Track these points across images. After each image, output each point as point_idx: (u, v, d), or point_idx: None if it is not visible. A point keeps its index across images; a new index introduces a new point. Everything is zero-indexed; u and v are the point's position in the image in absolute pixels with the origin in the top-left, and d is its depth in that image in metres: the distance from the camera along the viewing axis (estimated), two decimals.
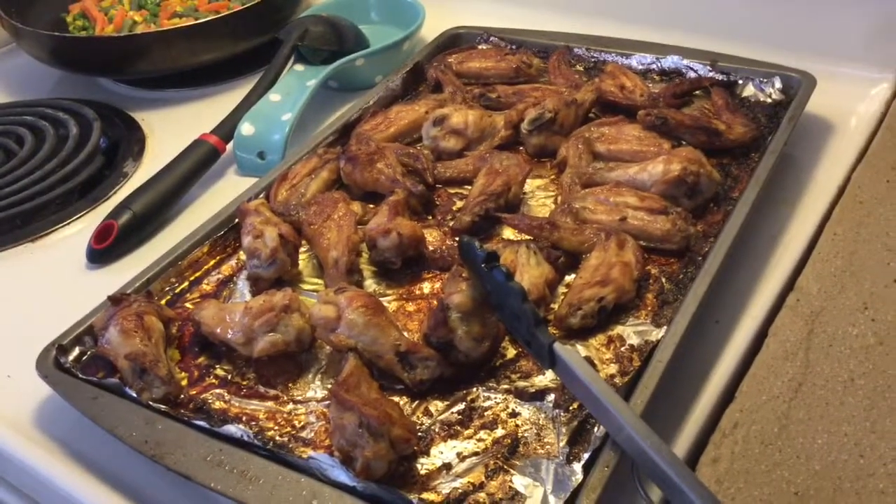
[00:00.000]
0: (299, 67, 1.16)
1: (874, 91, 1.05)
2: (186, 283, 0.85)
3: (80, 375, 0.73)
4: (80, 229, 0.99)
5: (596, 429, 0.63)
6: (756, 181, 0.84)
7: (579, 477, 0.60)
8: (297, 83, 1.12)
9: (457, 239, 0.86)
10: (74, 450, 0.73)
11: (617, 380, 0.69)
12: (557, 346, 0.63)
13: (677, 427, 0.69)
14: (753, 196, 0.82)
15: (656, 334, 0.71)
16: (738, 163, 0.92)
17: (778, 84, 1.01)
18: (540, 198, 0.92)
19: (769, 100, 1.01)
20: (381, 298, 0.77)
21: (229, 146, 1.06)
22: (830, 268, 0.80)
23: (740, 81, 1.03)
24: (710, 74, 1.05)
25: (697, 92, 1.04)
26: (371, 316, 0.71)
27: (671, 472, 0.56)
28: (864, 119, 1.01)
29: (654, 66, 1.09)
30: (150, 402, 0.70)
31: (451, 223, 0.89)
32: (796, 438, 0.66)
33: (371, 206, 0.91)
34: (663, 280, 0.79)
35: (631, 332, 0.73)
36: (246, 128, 1.06)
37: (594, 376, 0.62)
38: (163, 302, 0.82)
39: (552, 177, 0.94)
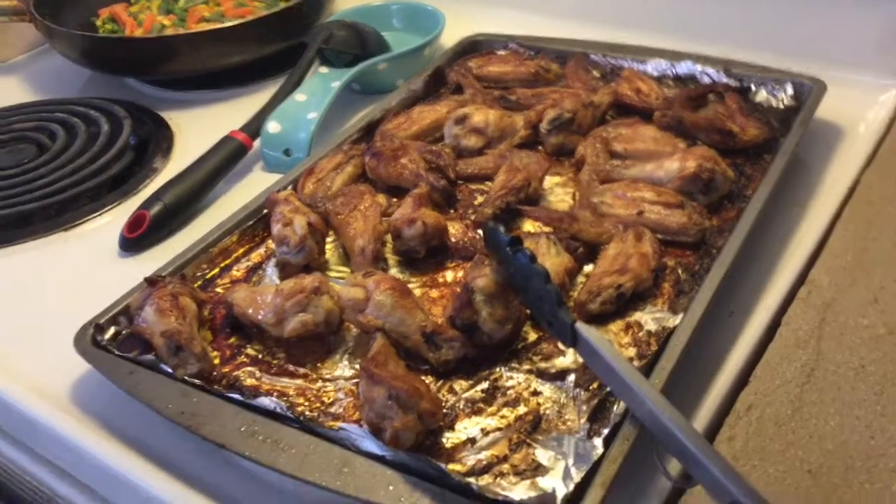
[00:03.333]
0: (324, 70, 1.20)
1: (883, 97, 1.08)
2: (217, 270, 0.88)
3: (117, 352, 0.76)
4: (112, 220, 1.03)
5: (615, 406, 0.66)
6: (769, 179, 0.87)
7: (600, 450, 0.63)
8: (321, 84, 1.16)
9: (479, 230, 0.89)
10: (111, 423, 0.75)
11: (635, 363, 0.72)
12: (579, 325, 0.66)
13: (693, 409, 0.71)
14: (767, 193, 0.85)
15: (673, 321, 0.74)
16: (752, 163, 0.95)
17: (790, 90, 1.04)
18: (559, 194, 0.95)
19: (781, 105, 1.04)
20: (405, 283, 0.80)
21: (256, 144, 1.10)
22: (841, 262, 0.83)
23: (753, 87, 1.06)
24: (724, 80, 1.08)
25: (711, 96, 1.07)
26: (398, 298, 0.74)
27: (691, 446, 0.58)
28: (872, 124, 1.04)
29: (668, 72, 1.12)
30: (185, 378, 0.72)
31: (472, 216, 0.92)
32: (809, 420, 0.68)
33: (395, 199, 0.94)
34: (679, 271, 0.81)
35: (648, 318, 0.76)
36: (272, 126, 1.10)
37: (615, 354, 0.64)
38: (196, 285, 0.85)
39: (570, 174, 0.97)
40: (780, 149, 0.92)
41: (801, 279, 0.82)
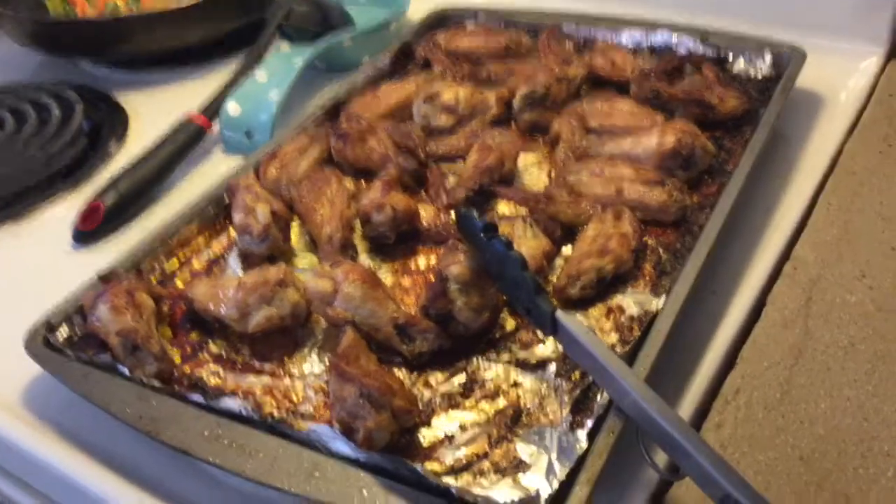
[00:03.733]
0: (285, 48, 1.15)
1: (863, 65, 1.05)
2: (176, 262, 0.83)
3: (71, 353, 0.71)
4: (65, 210, 0.97)
5: (599, 397, 0.63)
6: (750, 152, 0.84)
7: (584, 444, 0.59)
8: (283, 63, 1.11)
9: (452, 213, 0.85)
10: (66, 429, 0.71)
11: (618, 349, 0.69)
12: (559, 313, 0.63)
13: (679, 395, 0.68)
14: (748, 167, 0.82)
15: (656, 304, 0.71)
16: (731, 136, 0.92)
17: (768, 59, 1.01)
18: (534, 173, 0.91)
19: (760, 75, 1.01)
20: (376, 273, 0.76)
21: (215, 126, 1.05)
22: (826, 237, 0.80)
23: (731, 57, 1.03)
24: (701, 50, 1.04)
25: (688, 67, 1.03)
26: (368, 289, 0.70)
27: (678, 435, 0.55)
28: (853, 93, 1.01)
29: (643, 43, 1.08)
30: (143, 379, 0.68)
31: (444, 198, 0.88)
32: (799, 404, 0.66)
33: (363, 182, 0.90)
34: (660, 251, 0.78)
35: (630, 301, 0.73)
36: (232, 107, 1.05)
37: (597, 342, 0.61)
38: (153, 280, 0.80)
39: (545, 153, 0.94)
40: (761, 120, 0.89)
41: (786, 255, 0.80)
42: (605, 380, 0.61)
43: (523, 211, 0.83)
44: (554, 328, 0.63)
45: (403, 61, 1.12)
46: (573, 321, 0.62)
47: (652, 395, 0.58)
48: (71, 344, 0.73)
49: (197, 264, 0.83)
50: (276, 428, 0.63)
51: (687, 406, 0.68)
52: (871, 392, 0.66)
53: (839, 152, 0.91)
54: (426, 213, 0.86)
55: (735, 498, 0.52)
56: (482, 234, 0.66)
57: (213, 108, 1.05)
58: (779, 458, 0.62)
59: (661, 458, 0.60)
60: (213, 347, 0.73)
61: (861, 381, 0.67)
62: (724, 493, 0.52)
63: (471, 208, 0.68)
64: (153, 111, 1.14)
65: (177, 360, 0.72)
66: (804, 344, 0.71)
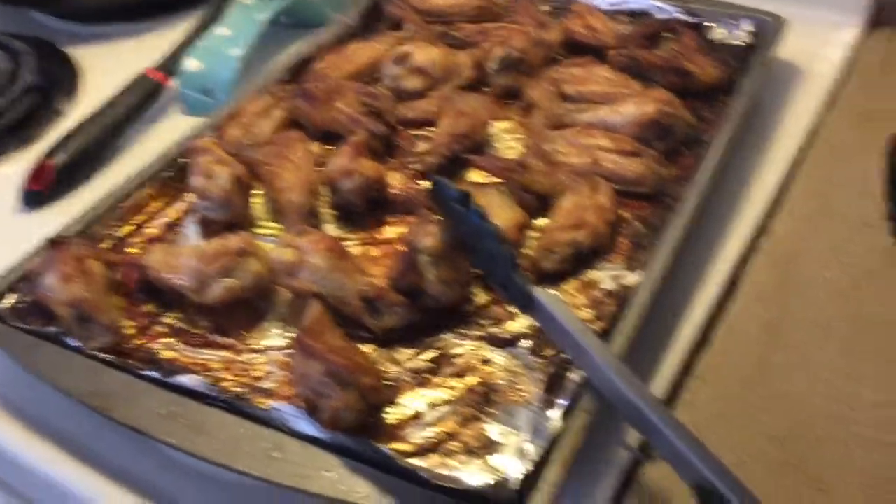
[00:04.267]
0: (248, 0, 1.09)
1: (842, 35, 1.03)
2: (130, 227, 0.79)
3: (16, 324, 0.67)
4: (12, 171, 0.92)
5: (573, 375, 0.61)
6: (729, 124, 0.82)
7: (557, 424, 0.57)
8: (246, 17, 1.06)
9: (421, 182, 0.82)
10: (13, 405, 0.68)
11: (593, 325, 0.66)
12: (536, 289, 0.60)
13: (652, 372, 0.67)
14: (726, 139, 0.80)
15: (631, 278, 0.69)
16: (710, 106, 0.89)
17: (747, 26, 0.98)
18: (507, 140, 0.88)
19: (739, 43, 0.98)
20: (343, 243, 0.73)
21: (173, 83, 1.00)
22: (803, 211, 0.79)
23: (710, 23, 1.00)
24: (680, 16, 1.01)
25: (667, 34, 1.00)
26: (335, 259, 0.67)
27: (655, 418, 0.53)
28: (832, 64, 0.99)
29: (622, 6, 1.05)
30: (95, 352, 0.65)
31: (415, 165, 0.84)
32: (774, 383, 0.65)
33: (330, 147, 0.86)
34: (637, 224, 0.76)
35: (605, 276, 0.71)
36: (191, 63, 1.00)
37: (573, 319, 0.59)
38: (105, 246, 0.76)
39: (519, 119, 0.90)
40: (740, 90, 0.87)
41: (762, 229, 0.78)
42: (580, 358, 0.59)
43: (497, 179, 0.80)
44: (530, 304, 0.61)
45: (373, 19, 1.08)
46: (550, 297, 0.60)
47: (628, 374, 0.56)
48: (17, 314, 0.69)
49: (152, 230, 0.79)
50: (235, 406, 0.60)
51: (660, 384, 0.66)
52: (848, 372, 0.65)
53: (817, 125, 0.90)
54: (396, 181, 0.83)
55: (710, 482, 0.50)
56: (457, 205, 0.63)
57: (170, 65, 1.00)
58: (753, 438, 0.61)
59: (636, 438, 0.58)
60: (169, 319, 0.70)
61: (837, 361, 0.65)
62: (699, 476, 0.51)
63: (444, 178, 0.65)
64: (107, 67, 1.09)
65: (130, 332, 0.68)
66: (780, 321, 0.69)
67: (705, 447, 0.52)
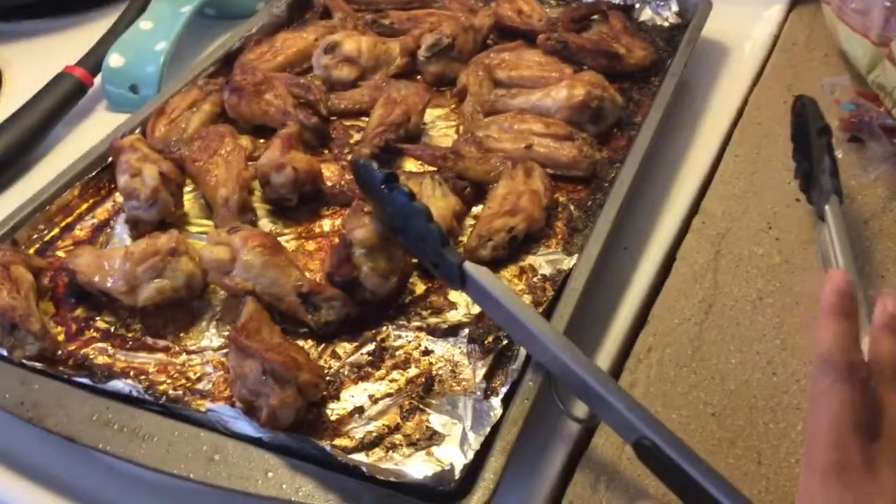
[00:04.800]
0: None
1: (767, 13, 1.05)
2: (57, 230, 0.77)
3: None
4: None
5: (512, 363, 0.61)
6: (659, 104, 0.83)
7: (498, 411, 0.57)
8: (169, 10, 1.03)
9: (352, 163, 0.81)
10: None
11: None
12: (468, 264, 0.60)
13: (592, 354, 0.67)
14: (657, 120, 0.81)
15: (568, 262, 0.69)
16: (639, 87, 0.90)
17: (674, 7, 1.00)
18: (441, 128, 0.88)
19: (666, 23, 1.00)
20: (278, 238, 0.72)
21: (97, 80, 0.97)
22: (734, 189, 0.80)
23: (637, 5, 1.02)
24: None
25: (595, 16, 1.01)
26: (269, 256, 0.66)
27: (594, 383, 0.54)
28: (757, 42, 1.01)
29: None
30: (24, 361, 0.63)
31: (348, 157, 0.84)
32: (710, 360, 0.66)
33: (261, 140, 0.85)
34: (572, 208, 0.76)
35: (542, 261, 0.71)
36: (115, 59, 0.97)
37: (508, 292, 0.59)
38: (31, 251, 0.74)
39: (452, 106, 0.90)
40: (668, 71, 0.88)
41: (695, 209, 0.79)
42: (517, 331, 0.59)
43: (431, 168, 0.79)
44: (462, 281, 0.61)
45: (301, 8, 1.07)
46: (482, 272, 0.60)
47: (566, 342, 0.56)
48: None
49: (80, 232, 0.77)
50: (170, 409, 0.59)
51: (601, 365, 0.66)
52: (780, 346, 0.66)
53: (745, 102, 0.91)
54: (329, 173, 0.82)
55: (649, 438, 0.51)
56: (382, 186, 0.62)
57: (93, 61, 0.97)
58: (692, 416, 0.62)
59: (581, 408, 0.58)
60: (101, 323, 0.68)
61: (770, 335, 0.67)
62: (638, 435, 0.51)
63: (369, 160, 0.64)
64: (27, 65, 1.06)
65: (60, 338, 0.67)
66: (714, 299, 0.70)
67: (643, 407, 0.53)
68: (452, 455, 0.56)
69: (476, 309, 0.67)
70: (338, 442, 0.58)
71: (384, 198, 0.63)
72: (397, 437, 0.58)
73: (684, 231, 0.77)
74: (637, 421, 0.52)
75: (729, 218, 0.77)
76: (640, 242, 0.76)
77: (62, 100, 0.93)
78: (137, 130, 0.84)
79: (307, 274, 0.69)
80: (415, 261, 0.69)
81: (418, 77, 0.94)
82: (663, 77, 0.88)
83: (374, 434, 0.58)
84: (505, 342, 0.64)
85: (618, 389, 0.54)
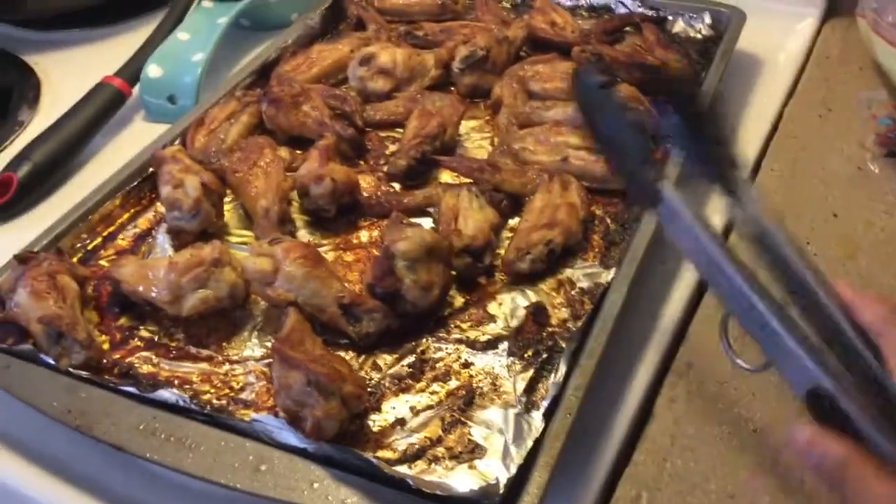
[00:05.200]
0: (208, 4, 1.08)
1: (799, 26, 1.05)
2: (99, 239, 0.78)
3: None
4: None
5: (553, 376, 0.61)
6: None
7: (540, 426, 0.58)
8: (206, 21, 1.04)
9: (393, 184, 0.82)
10: None
11: (570, 324, 0.67)
12: (665, 183, 0.57)
13: (631, 368, 0.67)
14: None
15: (606, 276, 0.70)
16: None
17: (708, 19, 1.00)
18: (476, 140, 0.88)
19: (699, 35, 1.00)
20: (316, 248, 0.73)
21: (136, 90, 0.98)
22: (770, 203, 0.80)
23: (670, 17, 1.02)
24: (640, 10, 1.03)
25: (628, 28, 1.01)
26: (310, 267, 0.67)
27: (771, 318, 0.49)
28: (791, 54, 1.01)
29: (582, 2, 1.06)
30: (70, 369, 0.64)
31: (384, 168, 0.84)
32: (751, 377, 0.66)
33: (298, 151, 0.86)
34: (608, 221, 0.77)
35: (580, 274, 0.71)
36: (153, 69, 0.98)
37: (699, 218, 0.56)
38: (74, 260, 0.75)
39: (487, 118, 0.91)
40: (703, 84, 0.88)
41: (732, 223, 0.79)
42: (700, 258, 0.55)
43: (467, 180, 0.80)
44: (656, 200, 0.57)
45: (335, 20, 1.08)
46: (677, 195, 0.56)
47: (750, 276, 0.52)
48: None
49: (122, 241, 0.78)
50: (216, 419, 0.60)
51: (639, 381, 0.67)
52: None
53: (779, 116, 0.91)
54: (366, 184, 0.83)
55: (825, 388, 0.46)
56: (600, 91, 0.60)
57: (132, 71, 0.98)
58: (733, 433, 0.62)
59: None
60: (145, 332, 0.69)
61: None
62: (814, 382, 0.47)
63: (591, 73, 0.62)
64: (68, 74, 1.07)
65: (105, 347, 0.68)
66: None
67: (824, 351, 0.49)
68: (495, 469, 0.56)
69: (515, 322, 0.67)
70: (381, 453, 0.59)
71: (598, 103, 0.60)
72: (440, 450, 0.59)
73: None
74: (814, 366, 0.47)
75: None
76: (678, 256, 0.76)
77: (101, 109, 0.94)
78: (177, 141, 0.85)
79: (346, 285, 0.69)
80: (454, 273, 0.70)
81: (452, 89, 0.95)
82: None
83: (417, 446, 0.59)
84: (545, 356, 0.64)
85: (799, 328, 0.49)
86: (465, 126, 0.89)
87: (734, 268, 0.52)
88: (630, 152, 0.59)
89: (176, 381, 0.65)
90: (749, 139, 0.89)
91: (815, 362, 0.47)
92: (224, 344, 0.68)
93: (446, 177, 0.83)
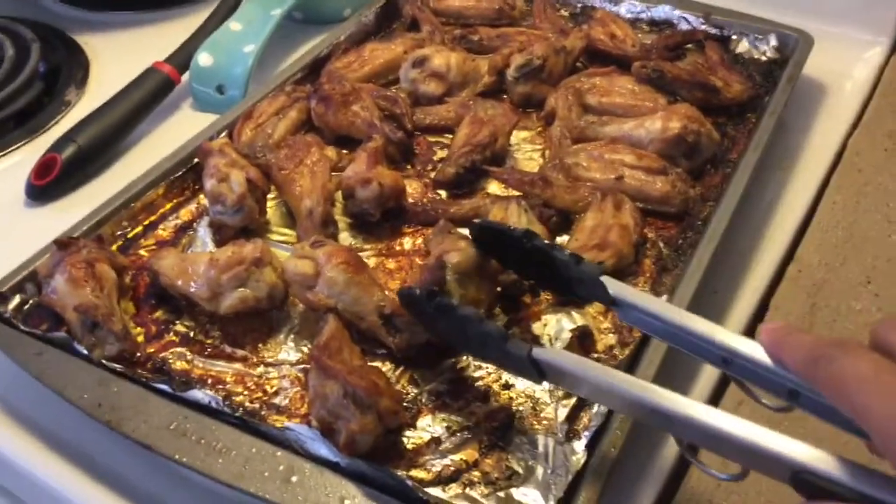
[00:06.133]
0: None
1: (868, 55, 1.01)
2: (140, 228, 0.77)
3: (23, 327, 0.65)
4: (18, 162, 0.90)
5: (597, 406, 0.59)
6: (756, 144, 0.80)
7: (581, 458, 0.55)
8: (259, 12, 1.03)
9: (439, 191, 0.80)
10: (15, 407, 0.65)
11: (616, 351, 0.65)
12: (536, 350, 0.52)
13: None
14: (755, 159, 0.78)
15: None
16: (734, 123, 0.87)
17: (773, 42, 0.97)
18: (526, 151, 0.86)
19: (764, 58, 0.96)
20: (358, 254, 0.71)
21: (185, 78, 0.97)
22: (831, 238, 0.77)
23: (734, 37, 0.98)
24: (703, 27, 0.99)
25: (689, 45, 0.99)
26: (353, 273, 0.65)
27: (735, 435, 0.45)
28: (857, 83, 0.97)
29: (643, 15, 1.03)
30: (103, 361, 0.62)
31: (432, 174, 0.82)
32: (806, 418, 0.63)
33: (345, 151, 0.84)
34: (661, 245, 0.74)
35: None
36: (204, 58, 0.97)
37: (586, 363, 0.51)
38: (114, 248, 0.74)
39: (539, 129, 0.89)
40: (767, 108, 0.85)
41: (789, 255, 0.76)
42: (609, 399, 0.52)
43: (516, 193, 0.78)
44: (539, 369, 0.53)
45: (388, 18, 1.06)
46: (553, 353, 0.52)
47: (661, 395, 0.48)
48: (23, 316, 0.67)
49: (163, 232, 0.77)
50: (248, 423, 0.58)
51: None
52: None
53: (843, 146, 0.88)
54: (412, 189, 0.81)
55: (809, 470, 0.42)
56: (429, 304, 0.57)
57: (182, 58, 0.97)
58: None
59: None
60: (181, 327, 0.68)
61: None
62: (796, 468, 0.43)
63: (413, 288, 0.60)
64: (117, 57, 1.07)
65: (140, 339, 0.67)
66: None
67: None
68: (533, 499, 0.54)
69: (559, 344, 0.65)
70: (414, 473, 0.57)
71: (433, 315, 0.58)
72: (475, 474, 0.57)
73: (778, 278, 0.74)
74: (789, 455, 0.43)
75: (826, 268, 0.74)
76: (732, 287, 0.74)
77: (150, 95, 0.93)
78: (224, 133, 0.84)
79: (388, 293, 0.67)
80: (499, 289, 0.68)
81: (504, 97, 0.93)
82: (761, 114, 0.85)
83: (452, 468, 0.57)
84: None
85: (760, 429, 0.45)
86: (516, 136, 0.87)
87: (645, 398, 0.48)
88: (488, 341, 0.55)
89: (209, 381, 0.63)
90: (811, 168, 0.86)
91: (789, 451, 0.43)
92: (260, 345, 0.66)
93: (494, 188, 0.81)
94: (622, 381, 0.49)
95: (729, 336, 0.49)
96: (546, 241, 0.59)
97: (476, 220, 0.64)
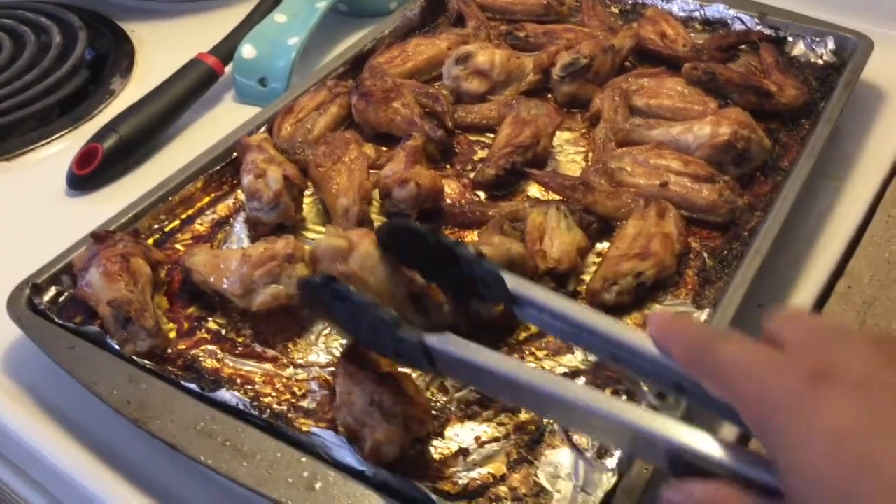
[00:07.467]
0: None
1: None
2: (177, 222, 0.77)
3: (57, 320, 0.65)
4: (61, 150, 0.91)
5: None
6: (809, 152, 0.76)
7: (612, 478, 0.54)
8: (304, 4, 1.02)
9: (477, 193, 0.79)
10: (45, 399, 0.65)
11: None
12: (429, 337, 0.50)
13: (721, 424, 0.62)
14: (808, 168, 0.75)
15: (697, 317, 0.65)
16: (787, 129, 0.84)
17: (831, 45, 0.93)
18: (569, 153, 0.84)
19: (820, 61, 0.93)
20: None
21: (228, 69, 0.97)
22: (884, 253, 0.74)
23: (790, 38, 0.95)
24: (758, 28, 0.96)
25: (743, 46, 0.95)
26: (385, 252, 0.63)
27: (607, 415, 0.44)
28: None
29: (696, 14, 1.00)
30: (134, 357, 0.62)
31: (471, 174, 0.81)
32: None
33: (384, 148, 0.83)
34: (705, 256, 0.72)
35: (670, 312, 0.67)
36: (247, 50, 0.97)
37: (481, 351, 0.49)
38: (150, 241, 0.74)
39: (583, 130, 0.86)
40: (822, 115, 0.81)
41: (839, 270, 0.73)
42: (502, 389, 0.51)
43: (557, 196, 0.76)
44: (430, 359, 0.51)
45: (434, 12, 1.04)
46: (449, 340, 0.50)
47: (553, 381, 0.47)
48: (58, 308, 0.67)
49: (200, 226, 0.76)
50: (274, 426, 0.58)
51: (728, 433, 0.62)
52: None
53: None
54: (450, 189, 0.79)
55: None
56: (326, 292, 0.55)
57: (226, 50, 0.97)
58: None
59: None
60: (213, 325, 0.68)
61: None
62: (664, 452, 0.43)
63: (311, 276, 0.59)
64: (162, 44, 1.07)
65: (172, 335, 0.66)
66: None
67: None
68: None
69: (594, 356, 0.63)
70: (440, 485, 0.55)
71: (329, 304, 0.56)
72: (502, 489, 0.55)
73: (827, 294, 0.71)
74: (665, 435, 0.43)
75: (878, 285, 0.71)
76: (778, 301, 0.71)
77: (193, 87, 0.93)
78: (264, 128, 0.83)
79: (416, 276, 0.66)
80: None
81: (549, 95, 0.91)
82: (815, 121, 0.82)
83: (479, 482, 0.56)
84: (624, 397, 0.60)
85: (637, 409, 0.45)
86: (559, 137, 0.85)
87: (536, 381, 0.47)
88: (381, 329, 0.53)
89: (238, 380, 0.63)
90: (865, 179, 0.82)
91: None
92: (290, 346, 0.66)
93: (534, 190, 0.79)
94: (514, 368, 0.48)
95: (622, 329, 0.48)
96: (452, 239, 0.57)
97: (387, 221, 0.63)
